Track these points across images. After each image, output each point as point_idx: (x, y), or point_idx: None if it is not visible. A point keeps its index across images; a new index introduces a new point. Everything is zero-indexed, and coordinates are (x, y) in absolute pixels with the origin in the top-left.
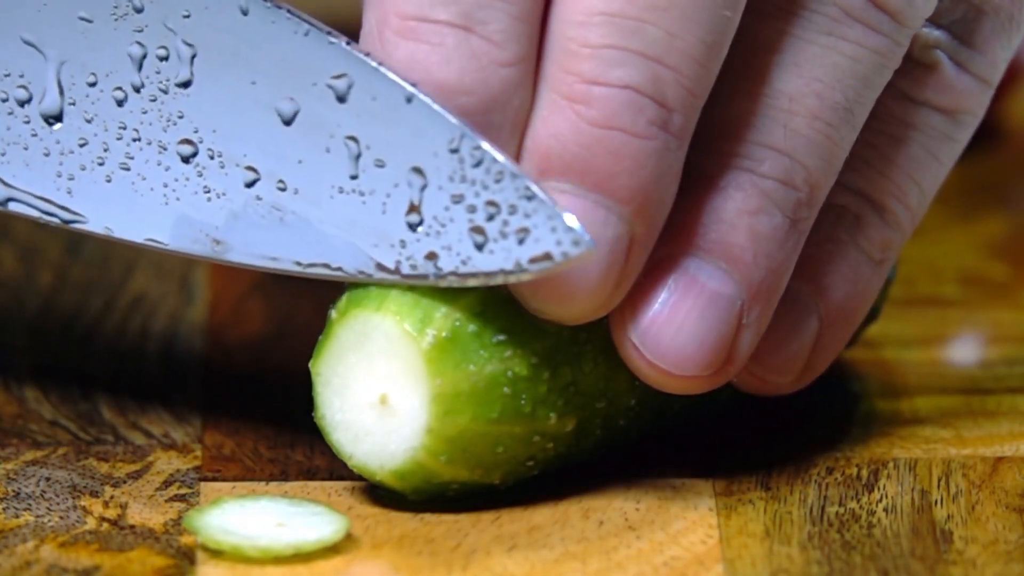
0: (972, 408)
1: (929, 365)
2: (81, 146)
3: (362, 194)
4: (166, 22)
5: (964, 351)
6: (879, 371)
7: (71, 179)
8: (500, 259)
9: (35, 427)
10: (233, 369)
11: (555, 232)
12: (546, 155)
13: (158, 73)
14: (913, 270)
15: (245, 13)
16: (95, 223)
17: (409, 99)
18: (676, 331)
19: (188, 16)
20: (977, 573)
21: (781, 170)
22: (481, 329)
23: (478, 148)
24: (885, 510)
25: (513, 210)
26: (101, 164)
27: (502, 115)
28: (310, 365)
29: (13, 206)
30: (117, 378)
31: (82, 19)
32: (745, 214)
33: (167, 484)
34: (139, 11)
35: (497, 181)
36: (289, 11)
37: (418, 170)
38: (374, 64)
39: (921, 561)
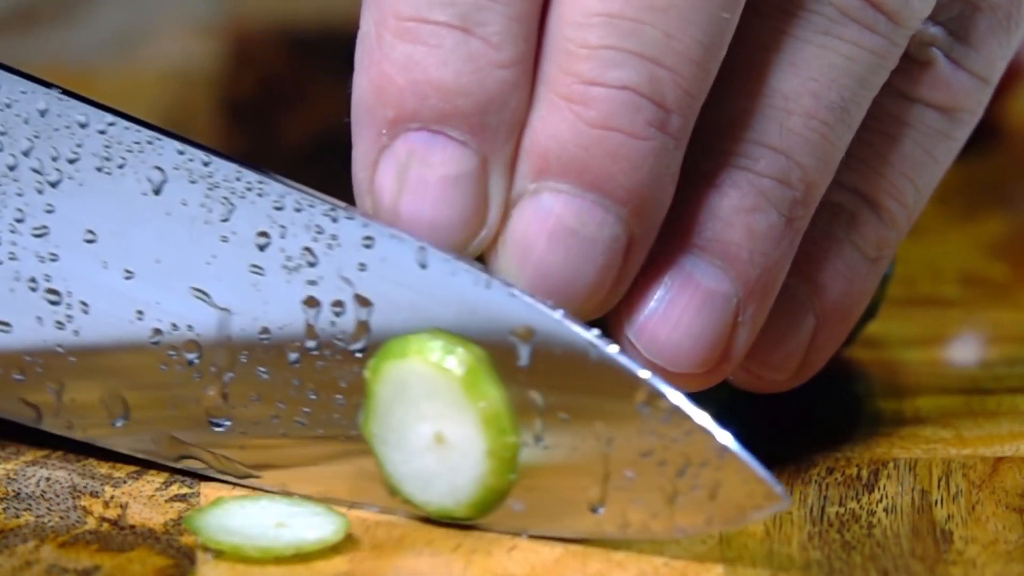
0: (972, 408)
1: (929, 365)
2: (253, 400)
3: (547, 448)
4: (341, 273)
5: (964, 351)
6: (879, 371)
7: (244, 434)
8: (690, 513)
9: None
10: None
11: (747, 485)
12: (544, 155)
13: (332, 325)
14: (913, 270)
15: (424, 267)
16: (271, 480)
17: (592, 350)
18: (672, 328)
19: (364, 269)
20: (977, 573)
21: (777, 169)
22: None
23: (666, 402)
24: (885, 510)
25: (705, 464)
26: (276, 419)
27: (499, 116)
28: (361, 431)
29: (187, 463)
30: None
31: (253, 271)
32: (741, 212)
33: (167, 484)
34: (312, 265)
35: (688, 435)
36: (470, 264)
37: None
38: (557, 316)
39: (921, 561)
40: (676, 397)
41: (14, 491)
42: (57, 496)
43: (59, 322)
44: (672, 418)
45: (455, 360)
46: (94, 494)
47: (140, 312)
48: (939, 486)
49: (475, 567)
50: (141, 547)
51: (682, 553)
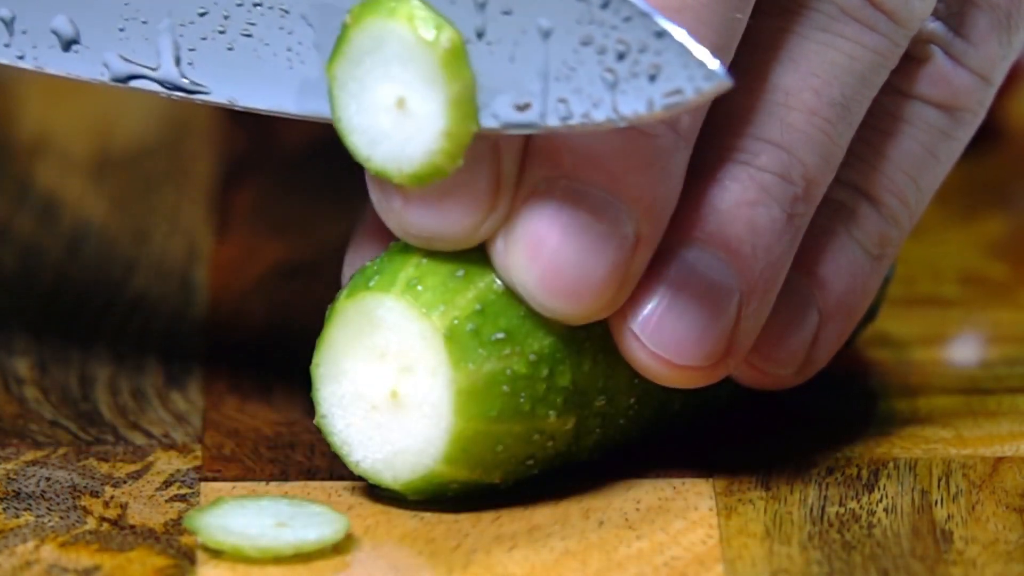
0: (972, 408)
1: (929, 365)
2: (201, 15)
3: (490, 44)
4: None
5: (964, 351)
6: (879, 371)
7: (192, 50)
8: (632, 99)
9: (35, 427)
10: (233, 369)
11: (687, 68)
12: (554, 154)
13: None
14: (913, 270)
15: None
16: (219, 94)
17: None
18: (676, 320)
19: None
20: (977, 573)
21: (778, 164)
22: (479, 327)
23: None
24: (885, 510)
25: (644, 49)
26: (222, 33)
27: None
28: (326, 69)
29: (135, 83)
30: (117, 378)
31: None
32: (743, 206)
33: (167, 484)
34: None
35: (626, 21)
36: None
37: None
38: None
39: (921, 561)
40: None
41: (14, 491)
42: (57, 496)
43: None
44: (610, 3)
45: (443, 37)
46: (94, 494)
47: None
48: (939, 486)
49: (475, 567)
50: (141, 547)
51: (682, 553)
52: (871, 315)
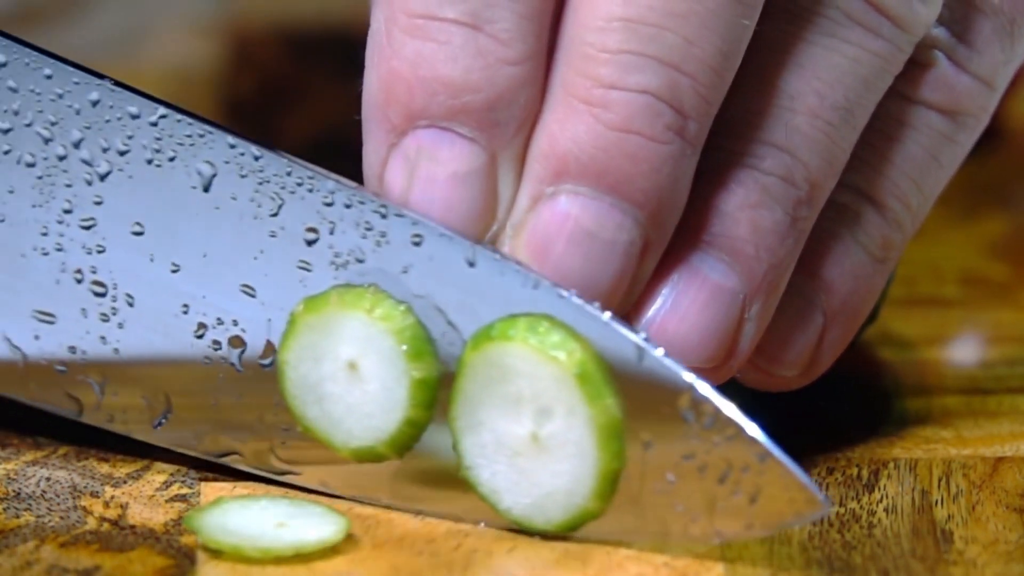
0: (972, 408)
1: (930, 365)
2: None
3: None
4: (386, 271)
5: (964, 351)
6: (879, 371)
7: (285, 431)
8: (730, 519)
9: (35, 427)
10: None
11: (788, 491)
12: (563, 158)
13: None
14: (914, 270)
15: (472, 265)
16: (309, 477)
17: (639, 353)
18: (680, 322)
19: (406, 272)
20: (978, 573)
21: (782, 167)
22: (598, 363)
23: (709, 405)
24: (885, 510)
25: (746, 469)
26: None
27: (508, 113)
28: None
29: (228, 459)
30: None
31: (301, 267)
32: (747, 208)
33: (167, 484)
34: (360, 261)
35: (729, 440)
36: (518, 263)
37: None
38: (605, 319)
39: (921, 561)
40: (720, 402)
41: (14, 491)
42: (57, 496)
43: (104, 315)
44: (715, 423)
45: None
46: (94, 494)
47: (186, 306)
48: (939, 486)
49: (475, 567)
50: (141, 547)
51: (682, 553)
52: (873, 316)
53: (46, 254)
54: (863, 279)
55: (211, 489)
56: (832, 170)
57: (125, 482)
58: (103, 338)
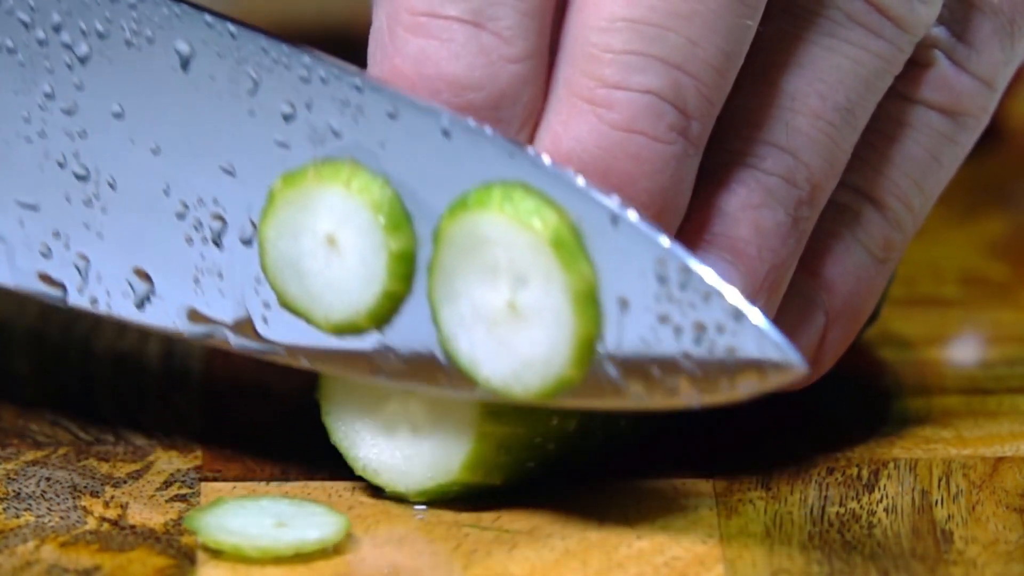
0: (972, 408)
1: (930, 365)
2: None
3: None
4: (363, 145)
5: (964, 351)
6: (879, 371)
7: (267, 307)
8: (708, 382)
9: (35, 427)
10: (233, 368)
11: (763, 351)
12: (567, 158)
13: None
14: (914, 270)
15: (447, 135)
16: (291, 355)
17: (615, 220)
18: None
19: (383, 146)
20: (978, 573)
21: (783, 167)
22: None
23: (686, 269)
24: (886, 510)
25: (721, 330)
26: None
27: (511, 111)
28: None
29: (210, 341)
30: (117, 378)
31: (279, 144)
32: (748, 208)
33: (167, 484)
34: (337, 136)
35: (705, 300)
36: (493, 131)
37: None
38: (581, 184)
39: (921, 561)
40: (695, 265)
41: (14, 491)
42: (57, 496)
43: (86, 200)
44: (689, 284)
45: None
46: (94, 494)
47: (167, 187)
48: (939, 486)
49: (475, 567)
50: (141, 547)
51: (682, 553)
52: (874, 316)
53: (29, 141)
54: (864, 279)
55: (211, 489)
56: (833, 170)
57: (125, 482)
58: (86, 224)
